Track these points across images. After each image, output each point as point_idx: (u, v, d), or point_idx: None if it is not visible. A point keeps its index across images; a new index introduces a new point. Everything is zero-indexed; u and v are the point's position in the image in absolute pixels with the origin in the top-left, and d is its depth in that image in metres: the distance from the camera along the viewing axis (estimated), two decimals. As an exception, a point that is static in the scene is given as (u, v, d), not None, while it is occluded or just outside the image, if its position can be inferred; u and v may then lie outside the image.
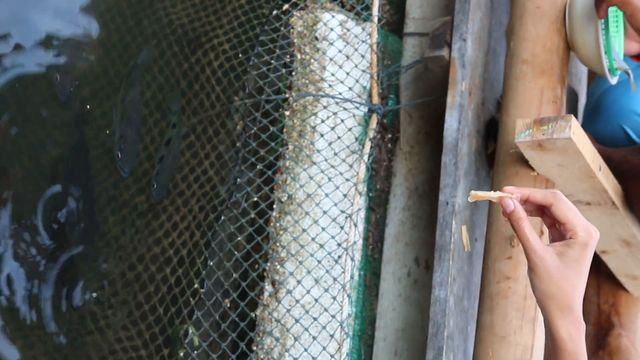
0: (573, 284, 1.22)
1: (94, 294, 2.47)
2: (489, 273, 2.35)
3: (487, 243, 2.42)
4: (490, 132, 2.81)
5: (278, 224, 2.71)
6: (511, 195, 1.27)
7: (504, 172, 2.46)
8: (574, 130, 2.21)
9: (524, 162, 2.39)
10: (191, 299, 2.52)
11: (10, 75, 2.51)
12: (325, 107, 2.84)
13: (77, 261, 2.52)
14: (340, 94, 2.85)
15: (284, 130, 2.85)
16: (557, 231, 1.28)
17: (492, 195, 1.29)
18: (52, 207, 2.51)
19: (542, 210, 1.29)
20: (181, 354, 2.48)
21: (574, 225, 1.23)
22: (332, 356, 2.46)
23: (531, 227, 1.25)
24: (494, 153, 2.71)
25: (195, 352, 2.43)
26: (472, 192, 1.31)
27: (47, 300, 2.41)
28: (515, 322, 2.23)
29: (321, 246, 2.63)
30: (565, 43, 2.58)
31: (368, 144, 2.76)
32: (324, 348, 2.48)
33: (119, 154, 2.59)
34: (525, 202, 1.28)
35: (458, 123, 2.61)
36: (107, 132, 2.63)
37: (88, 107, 2.64)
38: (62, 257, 2.49)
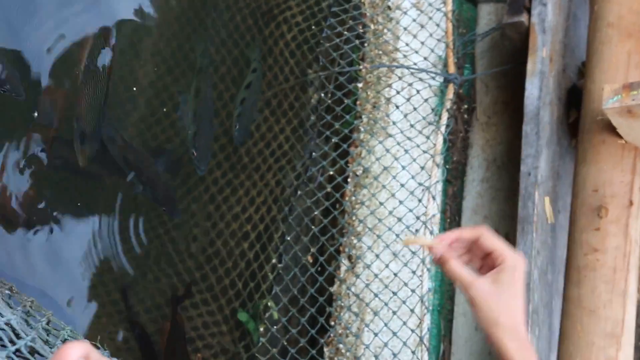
0: (512, 306, 1.25)
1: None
2: (575, 245, 2.27)
3: (573, 214, 2.34)
4: (572, 99, 2.71)
5: (354, 198, 2.68)
6: (439, 243, 1.31)
7: (589, 140, 2.37)
8: (666, 95, 2.10)
9: (611, 130, 2.29)
10: (270, 274, 2.52)
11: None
12: (400, 78, 2.79)
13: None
14: (415, 64, 2.79)
15: (358, 102, 2.80)
16: (487, 267, 1.30)
17: (424, 241, 1.41)
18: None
19: (470, 248, 1.32)
20: (261, 329, 2.48)
21: (501, 252, 1.27)
22: (412, 331, 2.43)
23: (461, 265, 1.29)
24: (575, 121, 2.61)
25: (275, 327, 2.43)
26: (405, 238, 1.38)
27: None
28: (605, 296, 2.16)
29: (399, 219, 2.59)
30: (654, 4, 2.46)
31: (445, 115, 2.69)
32: (404, 323, 2.44)
33: (194, 152, 2.59)
34: (456, 242, 1.32)
35: (539, 91, 2.52)
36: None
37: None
38: None
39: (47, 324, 1.50)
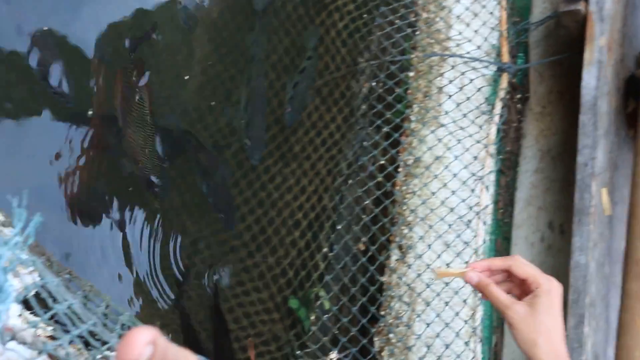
0: (550, 328, 1.27)
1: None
2: (634, 238, 2.23)
3: (632, 206, 2.30)
4: (630, 89, 2.65)
5: (405, 187, 2.66)
6: (472, 270, 1.34)
7: (650, 131, 2.32)
8: None
9: (672, 120, 2.24)
10: (320, 262, 2.51)
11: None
12: (452, 67, 2.75)
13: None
14: (467, 53, 2.75)
15: (409, 91, 2.78)
16: (525, 294, 1.32)
17: (456, 272, 1.39)
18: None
19: (508, 277, 1.35)
20: (312, 317, 2.48)
21: (535, 277, 1.29)
22: (465, 322, 2.40)
23: (499, 289, 1.31)
24: (634, 112, 2.56)
25: (326, 316, 2.42)
26: (437, 270, 1.42)
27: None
28: (665, 289, 2.11)
29: (451, 210, 2.56)
30: None
31: (499, 104, 2.65)
32: (457, 314, 2.42)
33: (248, 142, 2.60)
34: (490, 272, 1.34)
35: (597, 80, 2.47)
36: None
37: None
38: None
39: (106, 308, 1.51)
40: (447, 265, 2.48)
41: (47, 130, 2.49)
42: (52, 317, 1.24)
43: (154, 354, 0.73)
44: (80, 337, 1.25)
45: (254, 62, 2.69)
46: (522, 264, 1.32)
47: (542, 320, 1.27)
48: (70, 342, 1.23)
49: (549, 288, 1.29)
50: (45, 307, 1.26)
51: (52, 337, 1.23)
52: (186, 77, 2.69)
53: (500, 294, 1.31)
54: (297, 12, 2.73)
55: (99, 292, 1.53)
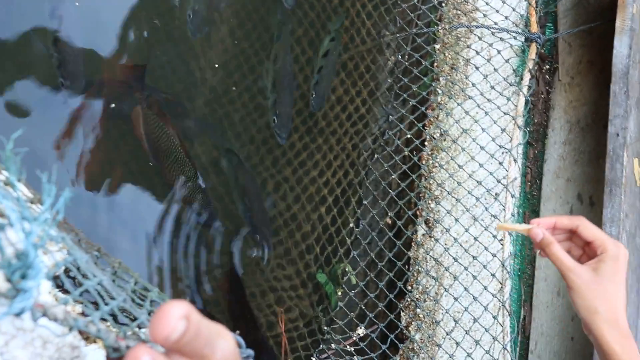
0: (613, 296, 1.23)
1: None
2: (667, 209, 2.19)
3: (664, 177, 2.25)
4: (663, 58, 2.59)
5: (432, 161, 2.63)
6: (536, 227, 1.30)
7: (682, 100, 2.27)
8: None
9: None
10: (347, 238, 2.50)
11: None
12: (479, 39, 2.71)
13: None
14: (495, 23, 2.71)
15: (435, 64, 2.74)
16: (587, 256, 1.29)
17: (519, 227, 1.34)
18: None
19: (569, 237, 1.32)
20: (339, 293, 2.47)
21: (602, 241, 1.26)
22: (494, 296, 2.39)
23: (562, 249, 1.28)
24: (666, 81, 2.50)
25: (353, 291, 2.42)
26: (499, 223, 1.38)
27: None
28: (699, 261, 2.07)
29: (479, 183, 2.53)
30: None
31: (527, 76, 2.61)
32: (485, 288, 2.40)
33: (275, 119, 2.58)
34: (553, 229, 1.31)
35: (629, 49, 2.42)
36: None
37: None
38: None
39: (135, 284, 1.51)
40: (475, 238, 2.45)
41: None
42: (82, 294, 1.24)
43: (188, 328, 0.72)
44: (111, 314, 1.25)
45: (280, 41, 2.66)
46: (590, 226, 1.30)
47: (605, 287, 1.23)
48: (101, 319, 1.23)
49: (617, 254, 1.25)
50: (75, 284, 1.26)
51: (83, 314, 1.24)
52: (216, 65, 2.67)
53: (564, 255, 1.28)
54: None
55: (127, 268, 1.53)
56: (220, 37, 2.68)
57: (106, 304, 1.24)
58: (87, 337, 1.12)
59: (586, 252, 1.30)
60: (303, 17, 2.69)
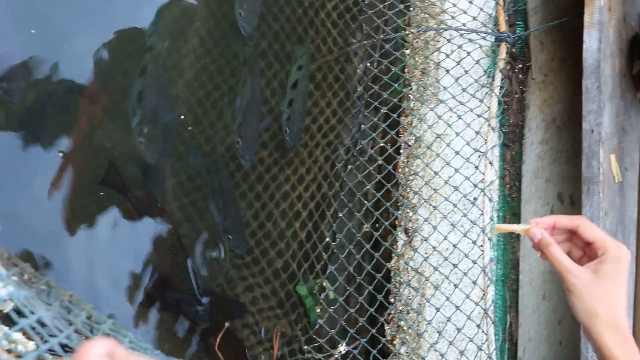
0: (614, 298, 1.19)
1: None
2: (646, 204, 2.13)
3: (642, 171, 2.19)
4: (635, 49, 2.54)
5: (407, 169, 2.57)
6: (535, 227, 1.27)
7: (656, 91, 2.21)
8: None
9: (680, 78, 2.13)
10: (324, 253, 2.44)
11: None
12: (448, 41, 2.65)
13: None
14: (464, 25, 2.66)
15: (406, 69, 2.69)
16: (587, 258, 1.25)
17: (517, 227, 1.31)
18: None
19: (569, 237, 1.28)
20: (318, 310, 2.40)
21: (603, 242, 1.22)
22: (476, 304, 2.32)
23: (561, 251, 1.24)
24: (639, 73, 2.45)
25: (332, 307, 2.35)
26: (496, 225, 1.31)
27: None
28: (682, 257, 2.02)
29: (455, 188, 2.47)
30: None
31: (499, 76, 2.55)
32: (467, 296, 2.34)
33: (239, 141, 2.51)
34: (552, 229, 1.28)
35: (598, 42, 2.37)
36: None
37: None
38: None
39: (89, 318, 1.45)
40: (454, 246, 2.39)
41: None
42: (27, 329, 1.18)
43: None
44: (51, 350, 1.19)
45: (248, 64, 2.60)
46: (591, 226, 1.26)
47: (606, 289, 1.19)
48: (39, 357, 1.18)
49: (618, 255, 1.21)
50: (10, 323, 1.21)
51: (19, 355, 1.18)
52: (178, 81, 2.62)
53: (563, 257, 1.24)
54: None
55: (79, 301, 1.47)
56: (188, 65, 2.62)
57: (44, 342, 1.18)
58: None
59: (587, 253, 1.26)
60: (267, 29, 2.64)
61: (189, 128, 2.60)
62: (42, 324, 1.19)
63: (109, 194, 2.42)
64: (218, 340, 2.37)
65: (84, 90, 2.51)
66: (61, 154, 2.43)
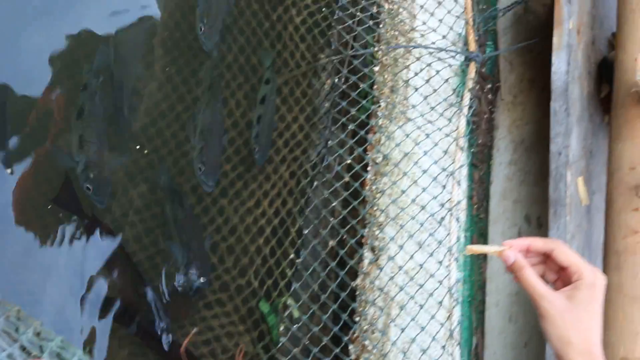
0: (587, 326, 1.17)
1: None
2: (613, 228, 2.12)
3: (609, 195, 2.18)
4: (603, 73, 2.55)
5: (374, 187, 2.54)
6: (508, 249, 1.24)
7: (624, 115, 2.21)
8: None
9: (647, 103, 2.13)
10: (287, 270, 2.39)
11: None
12: (418, 59, 2.63)
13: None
14: (433, 43, 2.64)
15: (375, 86, 2.66)
16: (562, 282, 1.23)
17: (490, 249, 1.28)
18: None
19: (543, 260, 1.26)
20: (281, 328, 2.35)
21: (578, 267, 1.20)
22: (441, 325, 2.28)
23: (535, 275, 1.21)
24: (608, 96, 2.46)
25: (295, 325, 2.30)
26: (468, 246, 1.31)
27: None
28: (648, 281, 2.00)
29: (422, 208, 2.44)
30: (688, -35, 2.28)
31: (467, 95, 2.54)
32: (433, 316, 2.30)
33: (201, 167, 2.45)
34: (527, 252, 1.25)
35: (567, 65, 2.37)
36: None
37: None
38: None
39: (38, 335, 1.38)
40: (420, 265, 2.36)
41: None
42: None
43: None
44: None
45: (211, 89, 2.54)
46: (566, 250, 1.23)
47: (580, 316, 1.17)
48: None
49: (593, 281, 1.19)
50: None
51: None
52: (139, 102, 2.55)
53: (537, 282, 1.21)
54: (250, 8, 2.59)
55: (27, 317, 1.40)
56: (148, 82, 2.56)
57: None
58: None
59: (561, 277, 1.24)
60: (232, 42, 2.59)
61: (145, 152, 2.53)
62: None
63: (63, 213, 2.34)
64: (184, 344, 2.31)
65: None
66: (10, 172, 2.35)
